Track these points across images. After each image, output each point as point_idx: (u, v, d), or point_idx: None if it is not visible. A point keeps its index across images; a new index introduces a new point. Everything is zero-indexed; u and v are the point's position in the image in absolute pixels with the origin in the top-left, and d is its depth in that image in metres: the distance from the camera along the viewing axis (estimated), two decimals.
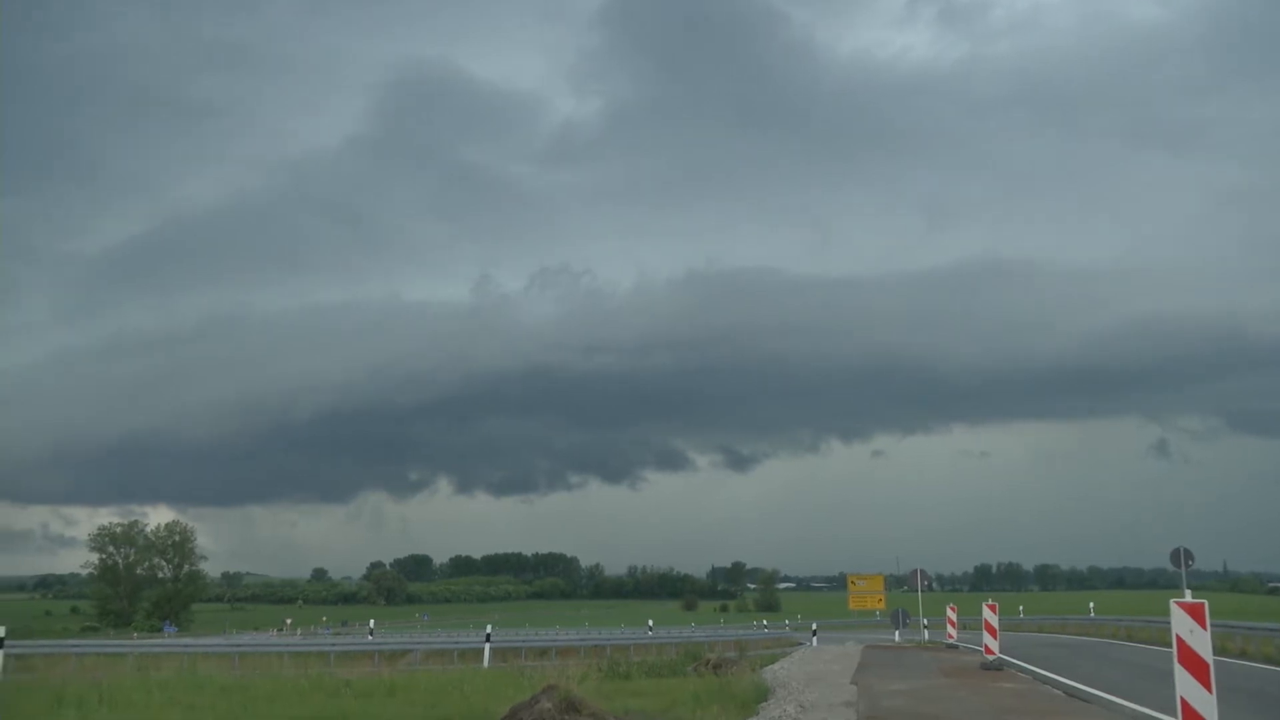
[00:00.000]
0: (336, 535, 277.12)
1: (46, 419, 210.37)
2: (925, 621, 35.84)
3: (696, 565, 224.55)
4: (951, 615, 29.73)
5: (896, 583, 49.50)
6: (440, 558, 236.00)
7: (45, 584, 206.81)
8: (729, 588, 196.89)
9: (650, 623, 52.93)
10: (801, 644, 41.15)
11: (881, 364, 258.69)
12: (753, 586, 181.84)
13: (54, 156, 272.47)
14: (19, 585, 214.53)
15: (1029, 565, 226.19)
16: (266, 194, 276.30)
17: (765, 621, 78.09)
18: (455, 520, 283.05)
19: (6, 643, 25.35)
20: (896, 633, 35.68)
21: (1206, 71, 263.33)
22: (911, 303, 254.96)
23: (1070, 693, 14.85)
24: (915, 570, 37.50)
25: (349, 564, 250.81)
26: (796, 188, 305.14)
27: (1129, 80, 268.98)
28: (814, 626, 43.54)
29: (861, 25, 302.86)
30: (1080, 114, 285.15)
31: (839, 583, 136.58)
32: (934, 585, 64.85)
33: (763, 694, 14.76)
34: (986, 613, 19.39)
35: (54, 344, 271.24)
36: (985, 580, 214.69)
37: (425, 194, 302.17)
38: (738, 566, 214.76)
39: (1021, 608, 66.92)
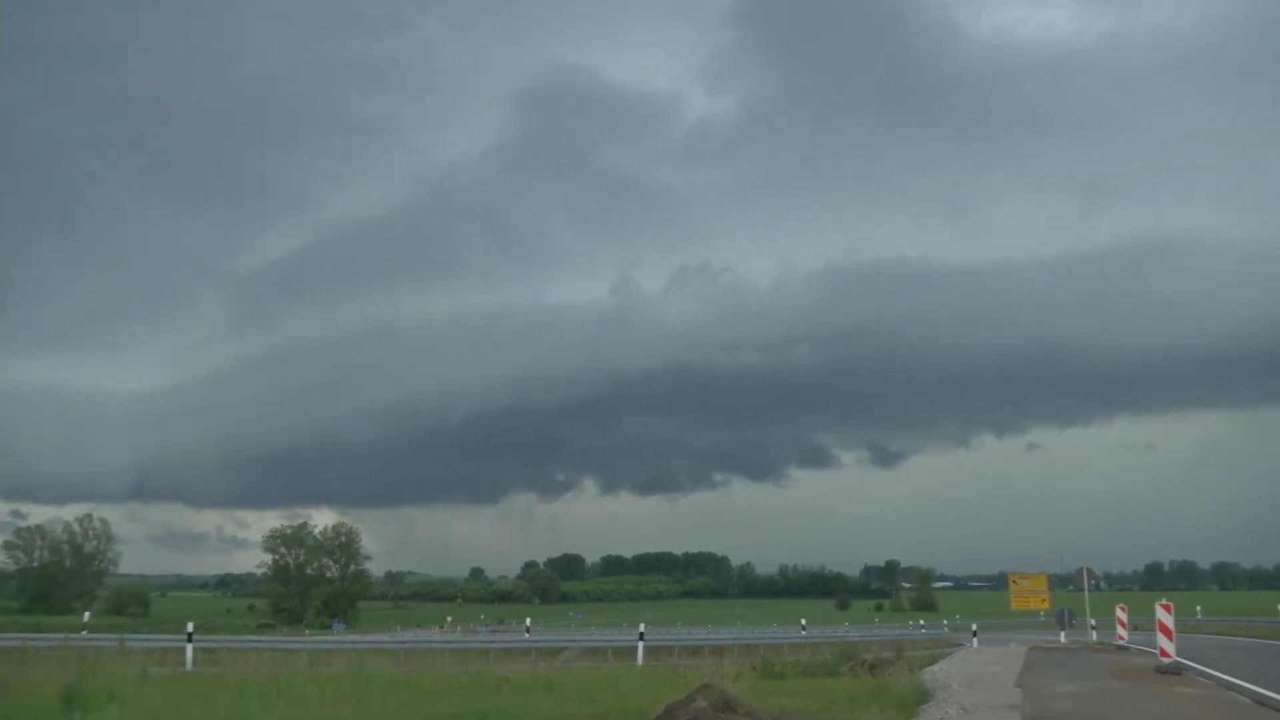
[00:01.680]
0: (490, 535, 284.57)
1: (218, 428, 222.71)
2: (1093, 622, 34.27)
3: (848, 564, 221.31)
4: (1121, 615, 28.41)
5: (1060, 582, 47.56)
6: (591, 557, 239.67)
7: (224, 583, 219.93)
8: (883, 587, 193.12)
9: (803, 622, 52.27)
10: (961, 645, 40.00)
11: (1035, 353, 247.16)
12: (908, 585, 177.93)
13: (222, 179, 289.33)
14: (201, 584, 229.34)
15: (1205, 563, 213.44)
16: (415, 205, 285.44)
17: (922, 621, 76.23)
18: (602, 520, 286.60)
19: (194, 637, 27.14)
20: (1062, 634, 34.22)
21: None
22: (1066, 288, 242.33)
23: (1260, 700, 13.90)
24: (1081, 568, 35.94)
25: (504, 563, 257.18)
26: (939, 174, 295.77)
27: None
28: (974, 627, 42.21)
29: (1000, 3, 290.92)
30: (1241, 81, 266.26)
31: (999, 582, 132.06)
32: (1101, 584, 61.92)
33: (922, 695, 14.40)
34: (1160, 613, 18.38)
35: (225, 356, 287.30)
36: (1157, 579, 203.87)
37: (565, 198, 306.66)
38: (892, 565, 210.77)
39: (1199, 608, 63.25)
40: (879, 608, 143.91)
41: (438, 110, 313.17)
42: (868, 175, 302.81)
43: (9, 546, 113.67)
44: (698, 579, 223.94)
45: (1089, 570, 35.97)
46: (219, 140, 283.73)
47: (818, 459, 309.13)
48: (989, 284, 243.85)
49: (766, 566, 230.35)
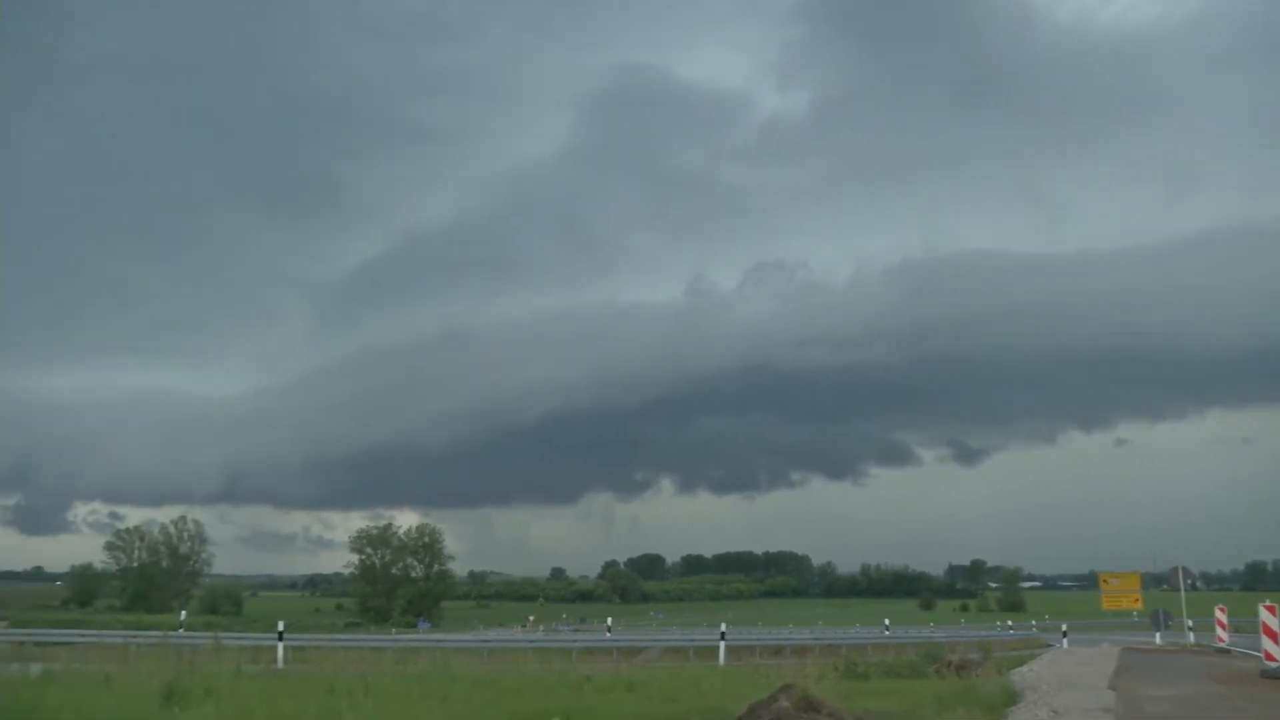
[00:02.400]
0: (570, 535, 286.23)
1: (304, 431, 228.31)
2: (1190, 623, 33.19)
3: (932, 563, 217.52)
4: (1221, 616, 27.50)
5: (1154, 581, 46.25)
6: (671, 556, 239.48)
7: (313, 583, 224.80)
8: (968, 586, 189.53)
9: (886, 622, 51.60)
10: (1050, 645, 39.13)
11: (1122, 346, 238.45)
12: (994, 585, 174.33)
13: (303, 188, 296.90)
14: (290, 584, 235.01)
15: None
16: (489, 209, 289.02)
17: (1009, 622, 74.67)
18: (680, 519, 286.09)
19: (285, 636, 27.81)
20: (1157, 635, 33.21)
21: None
22: (1154, 277, 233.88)
23: None
24: (1176, 567, 34.88)
25: (584, 563, 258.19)
26: (1019, 164, 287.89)
27: None
28: (1064, 627, 41.20)
29: None
30: None
31: (1089, 581, 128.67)
32: (1198, 584, 59.91)
33: (1011, 697, 14.11)
34: (1264, 614, 17.71)
35: (309, 362, 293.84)
36: (1259, 579, 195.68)
37: (638, 198, 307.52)
38: (977, 564, 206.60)
39: None
40: (964, 608, 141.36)
41: (510, 114, 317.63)
42: (944, 167, 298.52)
43: (110, 548, 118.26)
44: (778, 578, 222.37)
45: (1185, 569, 34.91)
46: (299, 150, 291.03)
47: (897, 457, 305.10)
48: (1073, 275, 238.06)
49: (848, 566, 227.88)
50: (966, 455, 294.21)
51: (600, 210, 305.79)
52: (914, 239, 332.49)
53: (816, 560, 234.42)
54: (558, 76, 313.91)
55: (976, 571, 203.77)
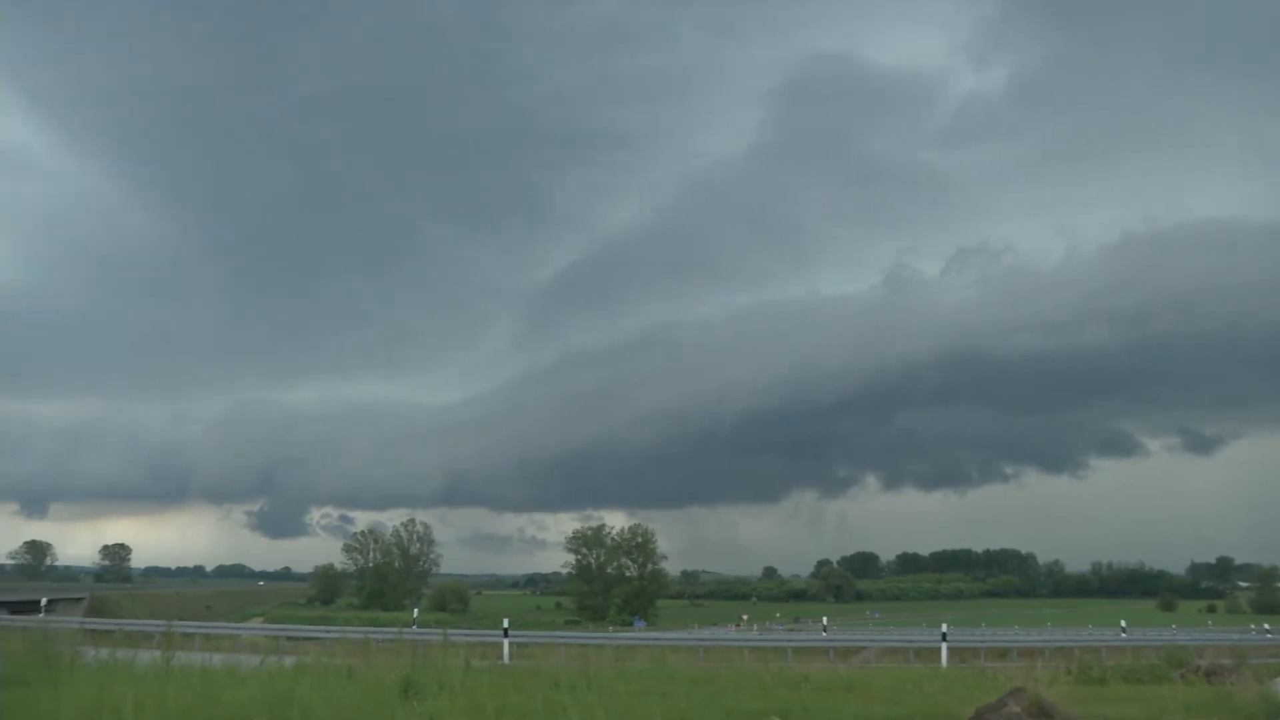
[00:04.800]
0: (778, 534, 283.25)
1: (513, 435, 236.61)
2: None
3: (1171, 560, 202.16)
4: None
5: None
6: (884, 554, 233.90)
7: (532, 581, 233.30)
8: (1215, 586, 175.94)
9: (1123, 623, 48.66)
10: None
11: None
12: (1245, 584, 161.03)
13: (507, 201, 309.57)
14: (511, 583, 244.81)
15: None
16: (683, 210, 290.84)
17: (1266, 625, 68.80)
18: (888, 516, 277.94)
19: (510, 633, 29.04)
20: None
21: None
22: None
23: None
24: None
25: (796, 562, 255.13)
26: (1247, 124, 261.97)
27: None
28: None
29: None
30: None
31: None
32: None
33: (1274, 709, 12.95)
34: None
35: (516, 367, 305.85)
36: None
37: (833, 189, 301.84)
38: (1224, 562, 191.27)
39: None
40: (1211, 609, 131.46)
41: (700, 113, 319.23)
42: (1161, 134, 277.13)
43: (348, 549, 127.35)
44: (1000, 577, 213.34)
45: None
46: (500, 164, 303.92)
47: (1120, 447, 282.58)
48: None
49: (1076, 564, 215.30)
50: (1200, 444, 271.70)
51: (794, 204, 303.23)
52: (1132, 213, 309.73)
53: (1042, 558, 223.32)
54: (746, 72, 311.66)
55: (1224, 569, 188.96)
